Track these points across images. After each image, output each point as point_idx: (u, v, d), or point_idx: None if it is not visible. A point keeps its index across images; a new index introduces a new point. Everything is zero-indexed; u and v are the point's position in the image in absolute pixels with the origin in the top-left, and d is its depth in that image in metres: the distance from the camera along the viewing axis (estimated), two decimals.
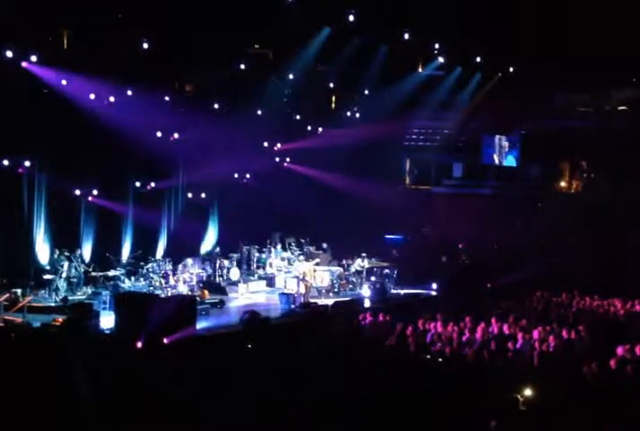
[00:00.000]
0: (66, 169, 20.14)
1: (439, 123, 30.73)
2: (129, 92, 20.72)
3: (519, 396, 10.69)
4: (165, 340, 15.09)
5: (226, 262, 23.13)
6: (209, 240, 25.17)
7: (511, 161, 32.25)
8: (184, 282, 20.67)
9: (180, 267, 21.23)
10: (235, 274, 23.02)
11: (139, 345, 14.72)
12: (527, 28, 23.37)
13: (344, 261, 24.11)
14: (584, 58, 24.82)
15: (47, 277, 19.42)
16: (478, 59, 26.95)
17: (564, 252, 24.32)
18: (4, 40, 17.80)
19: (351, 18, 22.52)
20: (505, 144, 32.26)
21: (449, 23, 22.68)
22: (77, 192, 20.98)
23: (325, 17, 22.64)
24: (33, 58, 18.57)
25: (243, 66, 22.82)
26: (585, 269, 23.46)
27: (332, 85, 26.61)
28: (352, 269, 23.52)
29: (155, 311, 15.52)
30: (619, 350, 14.37)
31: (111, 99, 20.54)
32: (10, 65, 18.16)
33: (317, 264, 22.48)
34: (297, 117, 26.33)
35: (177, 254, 22.16)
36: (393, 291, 23.07)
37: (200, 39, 20.18)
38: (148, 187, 22.95)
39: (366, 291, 22.44)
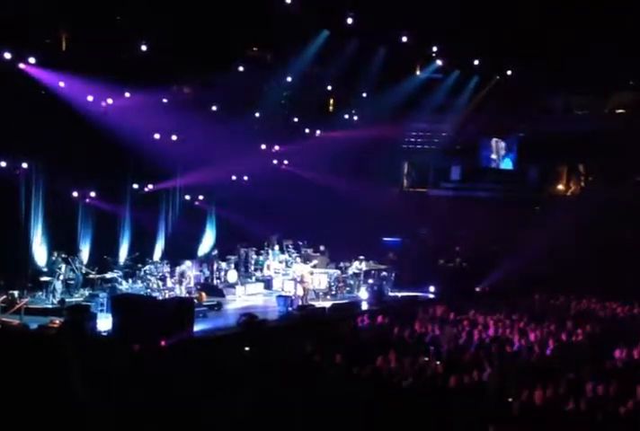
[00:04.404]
0: (63, 171, 20.13)
1: (437, 126, 30.78)
2: (127, 94, 20.71)
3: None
4: (163, 342, 15.06)
5: (223, 264, 23.10)
6: (207, 242, 25.15)
7: (508, 164, 32.29)
8: (182, 284, 20.66)
9: (177, 270, 21.15)
10: (232, 276, 23.00)
11: (137, 347, 14.68)
12: (525, 31, 23.41)
13: (342, 264, 24.08)
14: (582, 61, 24.86)
15: (44, 278, 19.39)
16: (476, 62, 26.99)
17: (563, 254, 24.32)
18: (2, 42, 17.77)
19: (350, 20, 22.54)
20: (503, 146, 32.31)
21: (448, 26, 22.70)
22: (75, 194, 20.96)
23: (324, 19, 22.66)
24: (31, 60, 18.56)
25: (241, 69, 22.84)
26: (583, 271, 23.47)
27: (330, 88, 26.62)
28: (350, 272, 23.49)
29: (153, 313, 15.50)
30: (617, 353, 14.42)
31: (109, 101, 20.51)
32: (8, 67, 18.13)
33: (315, 266, 22.46)
34: (295, 119, 26.32)
35: (175, 256, 22.13)
36: (390, 293, 23.06)
37: (199, 42, 20.18)
38: (146, 189, 22.94)
39: (363, 293, 22.43)
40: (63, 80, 19.40)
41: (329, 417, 10.90)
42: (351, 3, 22.21)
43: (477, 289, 23.77)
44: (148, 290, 20.19)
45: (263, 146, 25.99)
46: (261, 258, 24.63)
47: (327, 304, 20.70)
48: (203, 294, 20.48)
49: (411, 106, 28.05)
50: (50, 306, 18.49)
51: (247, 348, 14.91)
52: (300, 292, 20.99)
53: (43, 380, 11.90)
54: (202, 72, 21.68)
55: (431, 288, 23.37)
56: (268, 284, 23.46)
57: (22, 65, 18.57)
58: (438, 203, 30.16)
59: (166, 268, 21.11)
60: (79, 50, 19.13)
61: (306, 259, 23.13)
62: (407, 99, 27.45)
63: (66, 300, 18.66)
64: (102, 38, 18.76)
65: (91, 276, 20.15)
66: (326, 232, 25.55)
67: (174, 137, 22.83)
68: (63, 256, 19.80)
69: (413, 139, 31.37)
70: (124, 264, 21.51)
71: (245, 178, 25.91)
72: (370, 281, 23.15)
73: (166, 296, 19.62)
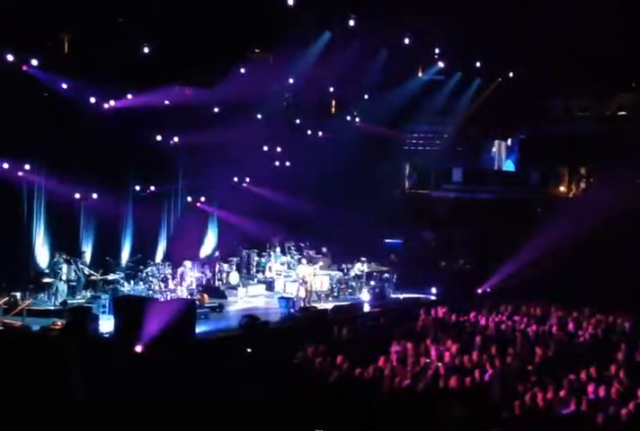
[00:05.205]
0: (65, 172, 20.14)
1: (438, 128, 30.77)
2: (129, 96, 20.74)
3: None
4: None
5: (225, 266, 23.10)
6: (209, 244, 25.16)
7: (509, 165, 32.29)
8: (182, 284, 20.67)
9: (179, 271, 21.13)
10: (234, 278, 22.99)
11: (139, 349, 14.71)
12: (527, 32, 23.41)
13: (344, 265, 24.07)
14: (584, 63, 24.86)
15: (46, 280, 19.41)
16: (478, 64, 27.00)
17: (564, 255, 24.29)
18: (4, 44, 17.80)
19: (352, 22, 22.55)
20: (504, 148, 32.31)
21: (449, 28, 22.71)
22: (77, 196, 20.97)
23: (326, 21, 22.68)
24: (34, 62, 18.57)
25: (243, 70, 22.86)
26: (584, 273, 23.45)
27: (332, 89, 26.63)
28: (352, 274, 23.48)
29: (155, 315, 15.50)
30: (619, 356, 14.41)
31: (112, 102, 20.54)
32: (10, 69, 18.15)
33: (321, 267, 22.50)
34: (297, 121, 26.33)
35: (177, 258, 22.13)
36: (392, 295, 23.05)
37: (201, 43, 20.20)
38: (148, 190, 22.94)
39: (365, 295, 22.41)
40: (65, 82, 19.44)
41: (331, 418, 10.92)
42: (352, 4, 22.21)
43: (479, 291, 23.73)
44: (150, 292, 20.20)
45: (265, 148, 26.00)
46: (262, 259, 24.63)
47: (329, 306, 20.70)
48: (205, 295, 20.49)
49: (413, 108, 28.05)
50: (52, 308, 18.51)
51: (249, 350, 14.93)
52: (302, 293, 21.01)
53: (45, 381, 11.93)
54: (204, 73, 21.70)
55: (433, 290, 23.34)
56: (270, 285, 23.47)
57: (24, 68, 18.58)
58: (439, 204, 30.15)
59: (168, 270, 21.12)
60: (81, 52, 19.15)
61: (309, 261, 23.12)
62: (409, 100, 27.46)
63: (69, 301, 18.68)
64: (104, 39, 18.78)
65: (93, 277, 20.16)
66: (328, 233, 25.56)
67: (176, 139, 22.86)
68: (65, 257, 19.81)
69: (414, 141, 31.36)
70: (126, 266, 21.53)
71: (247, 179, 25.92)
72: (372, 283, 23.14)
73: (168, 298, 19.63)
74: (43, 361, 12.85)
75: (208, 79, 22.05)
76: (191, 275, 21.31)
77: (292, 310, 19.88)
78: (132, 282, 20.88)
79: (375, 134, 27.25)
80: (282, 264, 24.24)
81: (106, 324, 16.66)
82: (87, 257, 20.89)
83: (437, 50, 26.24)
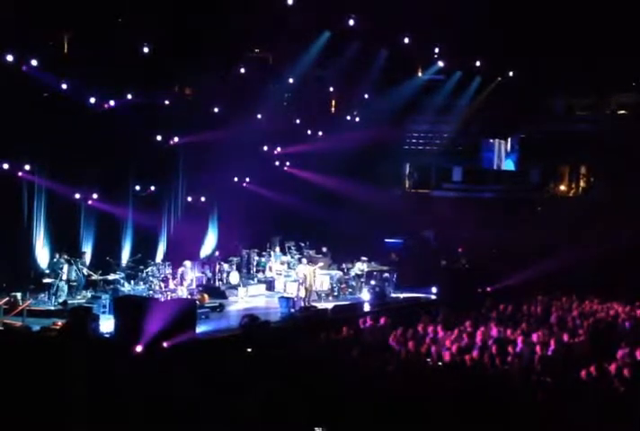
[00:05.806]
0: (66, 172, 20.17)
1: (438, 127, 30.81)
2: (129, 96, 20.75)
3: None
4: (165, 344, 15.08)
5: (225, 266, 23.10)
6: (209, 243, 25.16)
7: (510, 164, 32.30)
8: (182, 284, 20.67)
9: (179, 271, 21.13)
10: (234, 278, 22.99)
11: (139, 349, 14.71)
12: (527, 32, 23.43)
13: (344, 265, 24.08)
14: (584, 63, 24.88)
15: (46, 280, 19.42)
16: (478, 63, 27.02)
17: (564, 255, 24.32)
18: (4, 44, 17.80)
19: (351, 22, 22.56)
20: (504, 147, 32.32)
21: (449, 27, 22.72)
22: (77, 196, 20.99)
23: (325, 21, 22.69)
24: (34, 62, 18.58)
25: (243, 70, 22.88)
26: (585, 272, 23.48)
27: (332, 89, 26.64)
28: (352, 273, 23.49)
29: (155, 314, 15.51)
30: (620, 354, 14.39)
31: (111, 102, 20.56)
32: (10, 69, 18.16)
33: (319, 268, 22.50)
34: (297, 121, 26.34)
35: (177, 258, 22.14)
36: (392, 295, 23.05)
37: (201, 43, 20.22)
38: (148, 190, 22.95)
39: (365, 295, 22.42)
40: (65, 82, 19.44)
41: (331, 417, 10.92)
42: (352, 4, 22.22)
43: (479, 290, 23.73)
44: (150, 292, 20.20)
45: (265, 148, 26.02)
46: (263, 259, 24.63)
47: (329, 306, 20.71)
48: (205, 295, 20.49)
49: (413, 107, 28.09)
50: (53, 308, 18.52)
51: (249, 350, 14.92)
52: (302, 293, 21.01)
53: (45, 381, 11.93)
54: (204, 73, 21.71)
55: (434, 289, 23.34)
56: (270, 285, 23.47)
57: (24, 68, 18.58)
58: (440, 204, 30.18)
59: (168, 270, 21.13)
60: (81, 52, 19.16)
61: (310, 261, 23.11)
62: (409, 100, 27.50)
63: (69, 302, 18.69)
64: (104, 40, 18.80)
65: (93, 277, 20.17)
66: (328, 233, 25.56)
67: (176, 139, 22.87)
68: (65, 257, 19.82)
69: (415, 140, 31.40)
70: (126, 266, 21.53)
71: (247, 179, 25.93)
72: (372, 282, 23.14)
73: (168, 298, 19.63)
74: (43, 361, 12.85)
75: (208, 79, 22.06)
76: (191, 275, 21.31)
77: (292, 309, 19.88)
78: (132, 282, 20.87)
79: (375, 133, 27.27)
80: (282, 264, 24.24)
81: (106, 324, 16.66)
82: (87, 257, 20.89)
83: (436, 50, 26.25)
